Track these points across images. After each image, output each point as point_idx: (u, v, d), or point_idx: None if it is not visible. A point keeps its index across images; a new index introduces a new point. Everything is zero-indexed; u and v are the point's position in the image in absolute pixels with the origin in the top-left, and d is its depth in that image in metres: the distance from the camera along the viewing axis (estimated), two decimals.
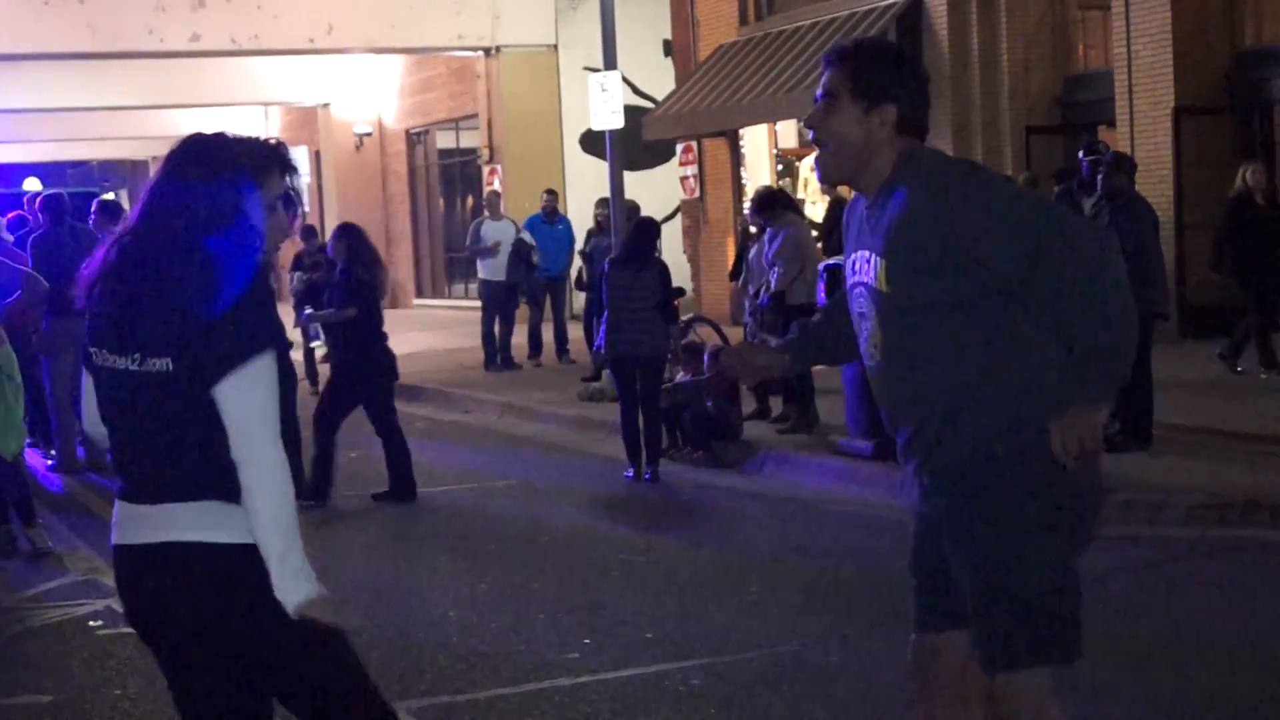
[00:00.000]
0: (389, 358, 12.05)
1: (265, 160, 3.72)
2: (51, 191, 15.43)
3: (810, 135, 4.21)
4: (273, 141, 3.82)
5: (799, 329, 4.64)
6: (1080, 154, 14.03)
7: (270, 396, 3.52)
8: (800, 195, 23.45)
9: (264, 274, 3.63)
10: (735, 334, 15.30)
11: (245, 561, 3.55)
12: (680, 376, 13.50)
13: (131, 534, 3.64)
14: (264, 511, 3.49)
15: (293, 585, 3.52)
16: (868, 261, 4.09)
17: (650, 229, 12.90)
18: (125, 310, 3.57)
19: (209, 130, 3.75)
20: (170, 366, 3.51)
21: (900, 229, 3.98)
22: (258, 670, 3.69)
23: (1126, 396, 11.44)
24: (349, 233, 12.44)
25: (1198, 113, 18.04)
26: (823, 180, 4.31)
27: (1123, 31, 18.50)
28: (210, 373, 3.48)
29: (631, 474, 12.29)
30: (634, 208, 19.46)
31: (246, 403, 3.48)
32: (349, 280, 12.03)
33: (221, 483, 3.54)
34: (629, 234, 13.06)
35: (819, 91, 4.15)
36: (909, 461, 4.19)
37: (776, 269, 13.52)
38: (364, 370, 11.95)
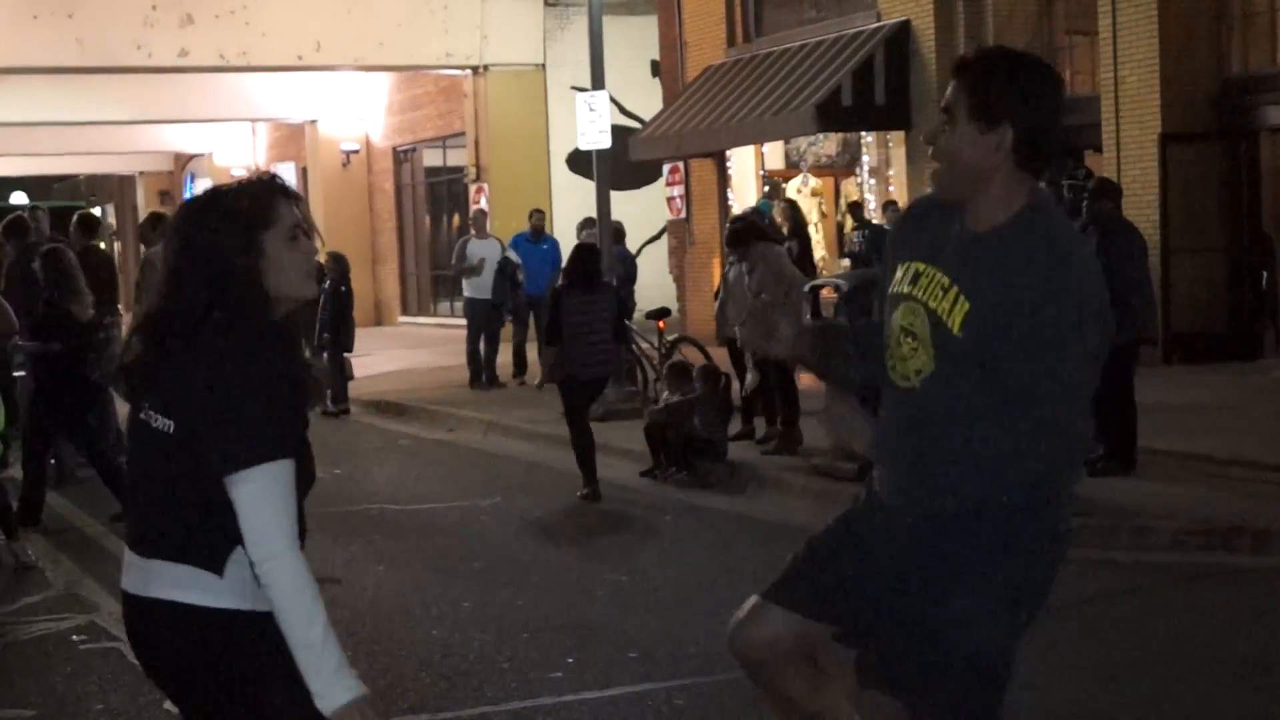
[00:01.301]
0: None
1: (267, 197, 3.59)
2: (13, 216, 15.42)
3: (931, 152, 3.91)
4: (266, 175, 3.72)
5: (856, 330, 4.31)
6: (1064, 180, 14.06)
7: (288, 496, 3.46)
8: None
9: (286, 359, 3.54)
10: (720, 354, 15.30)
11: (222, 627, 3.47)
12: (665, 396, 13.51)
13: (130, 582, 3.59)
14: (287, 610, 3.41)
15: (333, 689, 3.38)
16: (945, 290, 3.81)
17: (591, 251, 13.07)
18: (151, 365, 3.53)
19: (200, 191, 3.72)
20: (171, 430, 3.47)
21: (1005, 278, 3.72)
22: None
23: (1110, 421, 11.47)
24: (50, 256, 11.66)
25: (1184, 139, 18.10)
26: (938, 194, 3.95)
27: (1110, 57, 18.56)
28: (220, 462, 3.41)
29: (586, 493, 12.37)
30: (619, 229, 19.50)
31: (262, 501, 3.41)
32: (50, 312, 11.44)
33: (206, 553, 3.47)
34: (571, 261, 13.00)
35: (942, 104, 3.87)
36: (890, 499, 4.01)
37: (762, 296, 13.52)
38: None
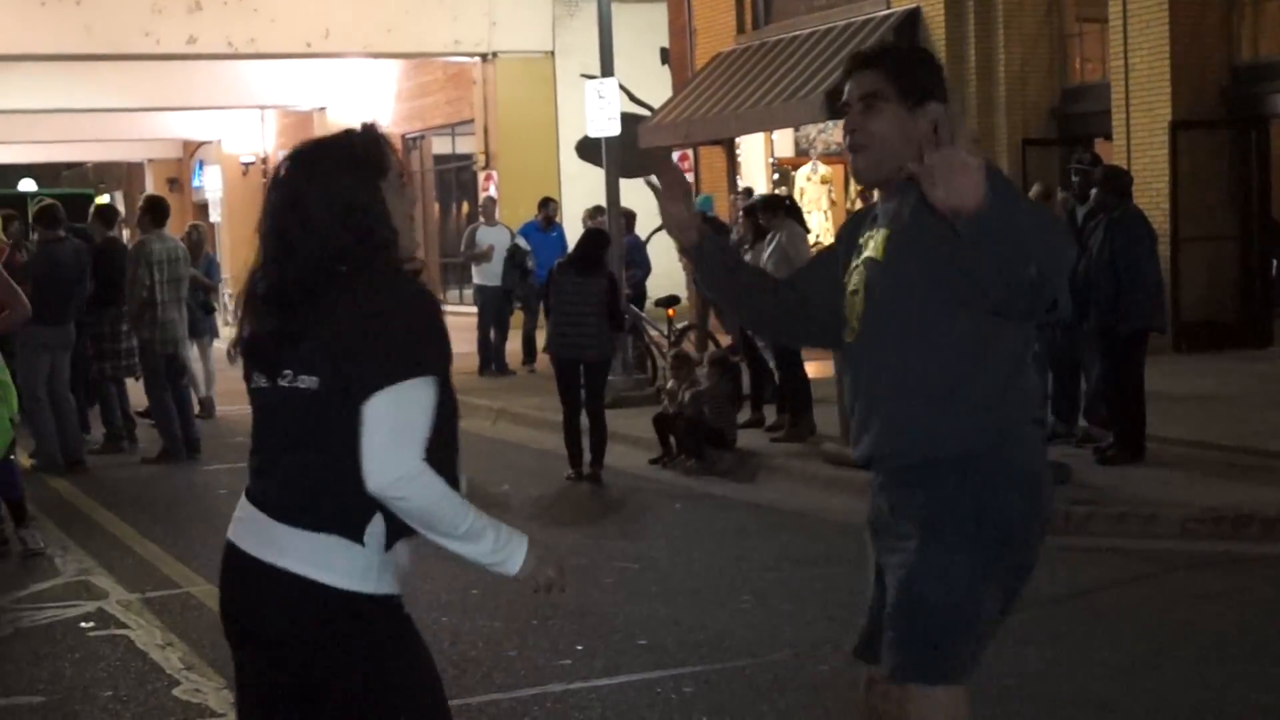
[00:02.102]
0: None
1: (375, 146, 3.57)
2: (5, 211, 15.44)
3: (847, 140, 4.04)
4: (367, 125, 3.64)
5: (728, 251, 4.51)
6: (1071, 165, 14.01)
7: (423, 416, 3.38)
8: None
9: (426, 294, 3.51)
10: (725, 341, 15.29)
11: (347, 609, 3.43)
12: (670, 385, 13.51)
13: (250, 543, 3.51)
14: (433, 520, 3.44)
15: (507, 557, 3.53)
16: (872, 238, 4.02)
17: (601, 238, 13.23)
18: (283, 331, 3.47)
19: (316, 135, 3.66)
20: (317, 385, 3.41)
21: (917, 207, 3.83)
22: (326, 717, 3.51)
23: (1119, 410, 11.46)
24: None
25: (1194, 126, 18.06)
26: (860, 183, 4.15)
27: (1120, 44, 18.52)
28: (360, 391, 3.35)
29: (573, 475, 12.45)
30: (630, 215, 19.46)
31: (396, 416, 3.34)
32: None
33: (347, 519, 3.43)
34: (581, 240, 13.33)
35: (855, 94, 3.98)
36: (859, 457, 4.10)
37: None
38: None
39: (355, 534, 3.43)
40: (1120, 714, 6.39)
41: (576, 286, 12.46)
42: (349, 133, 3.60)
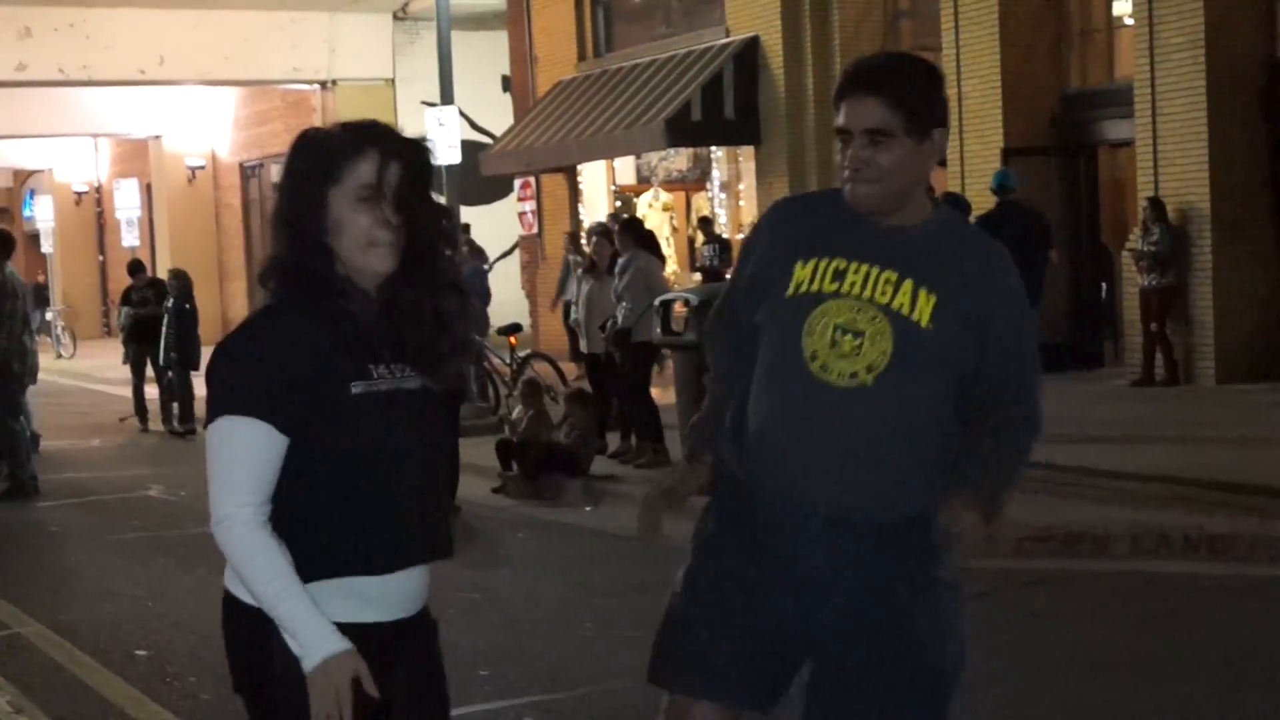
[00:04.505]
0: None
1: (345, 143, 3.20)
2: None
3: (849, 170, 3.74)
4: (368, 121, 3.32)
5: (704, 431, 4.02)
6: None
7: (238, 457, 3.14)
8: None
9: (253, 324, 3.23)
10: (570, 370, 15.30)
11: (246, 622, 3.27)
12: (518, 413, 13.47)
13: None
14: (235, 565, 3.23)
15: (298, 650, 3.14)
16: (894, 285, 3.69)
17: None
18: None
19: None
20: None
21: (951, 272, 3.69)
22: None
23: None
24: None
25: (1026, 153, 18.42)
26: (858, 209, 3.76)
27: (953, 72, 18.84)
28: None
29: None
30: (474, 245, 19.43)
31: (210, 458, 3.17)
32: None
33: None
34: None
35: (860, 125, 3.71)
36: (802, 506, 3.74)
37: (624, 304, 13.58)
38: None
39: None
40: None
41: None
42: (331, 127, 3.29)
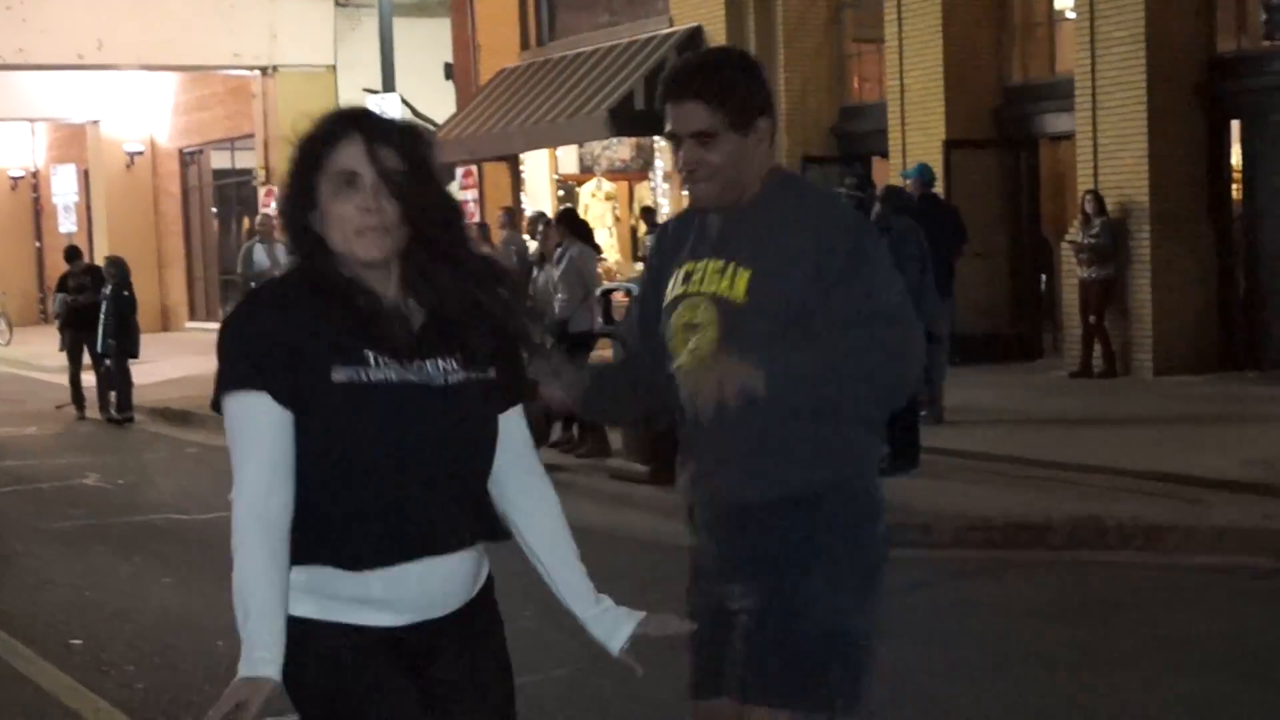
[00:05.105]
0: None
1: (328, 130, 3.09)
2: None
3: (684, 173, 3.89)
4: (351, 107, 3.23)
5: (595, 377, 4.13)
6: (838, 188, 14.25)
7: (237, 441, 3.04)
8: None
9: (243, 302, 3.14)
10: None
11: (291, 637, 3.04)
12: None
13: None
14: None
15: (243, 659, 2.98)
16: (720, 272, 3.84)
17: None
18: None
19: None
20: None
21: (771, 243, 3.80)
22: None
23: (895, 420, 11.67)
24: None
25: (968, 146, 18.52)
26: (700, 208, 3.94)
27: (896, 65, 18.93)
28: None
29: None
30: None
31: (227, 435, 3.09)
32: None
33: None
34: None
35: (686, 129, 3.83)
36: (700, 495, 3.97)
37: (560, 296, 13.57)
38: None
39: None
40: (890, 718, 6.51)
41: None
42: (325, 113, 3.18)
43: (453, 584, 3.21)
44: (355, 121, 3.09)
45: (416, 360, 3.10)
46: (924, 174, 15.27)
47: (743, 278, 3.81)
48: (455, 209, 3.25)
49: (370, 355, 3.05)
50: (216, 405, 3.06)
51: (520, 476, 3.39)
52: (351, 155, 3.05)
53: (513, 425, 3.31)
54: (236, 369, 3.02)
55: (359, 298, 3.07)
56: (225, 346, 3.06)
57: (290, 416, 3.01)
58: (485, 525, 3.29)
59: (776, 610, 3.85)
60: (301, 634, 3.03)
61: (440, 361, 3.12)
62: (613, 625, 3.44)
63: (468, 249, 3.21)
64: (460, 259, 3.17)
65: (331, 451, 3.03)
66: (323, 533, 3.06)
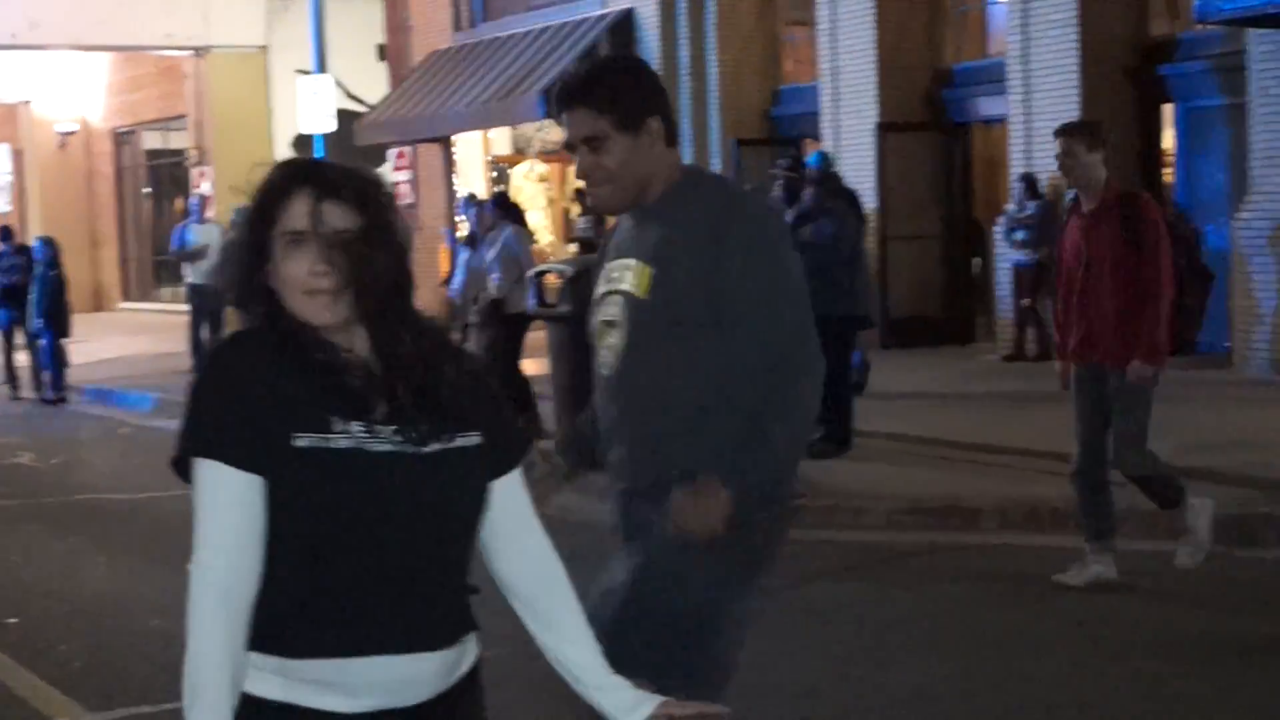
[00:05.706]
0: None
1: (278, 183, 2.86)
2: None
3: (583, 178, 4.06)
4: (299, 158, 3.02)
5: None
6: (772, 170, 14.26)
7: (201, 507, 2.82)
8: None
9: (214, 354, 2.89)
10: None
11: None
12: None
13: None
14: None
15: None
16: (629, 268, 4.02)
17: None
18: None
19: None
20: None
21: (672, 239, 3.94)
22: None
23: (827, 403, 11.74)
24: None
25: (900, 129, 18.60)
26: (605, 213, 4.14)
27: (829, 48, 18.99)
28: None
29: None
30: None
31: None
32: None
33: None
34: None
35: (578, 135, 3.97)
36: (617, 482, 4.14)
37: (495, 276, 13.58)
38: None
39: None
40: (828, 701, 6.56)
41: None
42: (278, 164, 2.94)
43: (425, 674, 2.88)
44: (307, 176, 2.84)
45: (391, 425, 2.79)
46: (820, 161, 15.24)
47: (645, 274, 3.98)
48: (407, 274, 2.93)
49: (337, 421, 2.76)
50: (177, 465, 2.83)
51: (520, 550, 3.13)
52: (300, 213, 2.79)
53: (509, 494, 2.99)
54: (199, 434, 2.78)
55: (326, 359, 2.81)
56: (190, 409, 2.81)
57: (258, 481, 2.74)
58: (464, 619, 2.99)
59: (640, 582, 3.97)
60: (255, 717, 2.78)
61: (417, 427, 2.81)
62: (632, 701, 2.99)
63: (418, 315, 2.94)
64: (420, 324, 2.93)
65: (290, 525, 2.74)
66: (274, 615, 2.78)
